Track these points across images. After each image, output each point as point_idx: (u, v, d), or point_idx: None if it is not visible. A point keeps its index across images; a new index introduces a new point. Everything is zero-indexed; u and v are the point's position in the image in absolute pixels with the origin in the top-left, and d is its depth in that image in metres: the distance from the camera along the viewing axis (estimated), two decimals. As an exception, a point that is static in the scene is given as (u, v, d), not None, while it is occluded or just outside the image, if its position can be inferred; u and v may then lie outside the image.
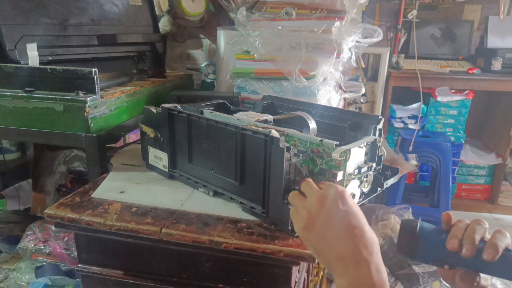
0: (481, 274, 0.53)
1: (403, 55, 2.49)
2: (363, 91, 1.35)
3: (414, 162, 2.05)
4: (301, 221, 0.52)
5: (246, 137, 0.64)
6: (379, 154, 0.69)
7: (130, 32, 1.13)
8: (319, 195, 0.51)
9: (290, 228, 0.60)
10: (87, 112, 0.81)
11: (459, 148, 2.54)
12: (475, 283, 0.52)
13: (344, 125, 0.76)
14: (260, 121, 0.75)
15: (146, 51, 1.18)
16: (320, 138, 0.63)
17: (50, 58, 0.88)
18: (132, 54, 1.13)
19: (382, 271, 0.47)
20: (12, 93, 0.82)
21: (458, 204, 2.59)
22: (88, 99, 0.81)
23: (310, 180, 0.55)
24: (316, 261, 0.56)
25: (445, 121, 2.51)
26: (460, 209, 2.57)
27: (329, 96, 1.13)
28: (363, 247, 0.47)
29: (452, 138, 2.48)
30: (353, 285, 0.46)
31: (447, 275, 0.56)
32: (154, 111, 0.79)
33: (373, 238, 0.49)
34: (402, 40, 2.60)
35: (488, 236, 0.50)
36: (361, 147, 0.65)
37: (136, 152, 0.92)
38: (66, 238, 1.12)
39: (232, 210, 0.68)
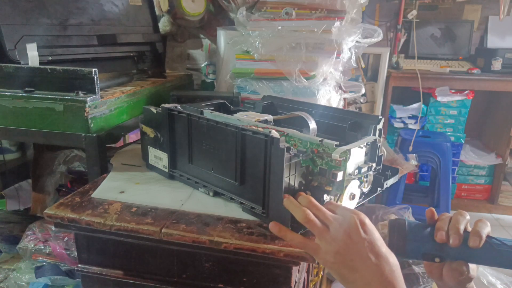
0: (469, 265, 0.55)
1: (403, 55, 2.49)
2: (363, 91, 1.35)
3: (414, 162, 2.05)
4: (329, 252, 0.52)
5: (246, 137, 0.63)
6: (379, 154, 0.69)
7: (130, 32, 1.13)
8: (343, 227, 0.52)
9: (289, 228, 0.60)
10: (87, 112, 0.81)
11: (459, 148, 2.54)
12: (464, 275, 0.55)
13: (344, 125, 0.76)
14: (260, 121, 0.75)
15: (146, 51, 1.18)
16: (320, 138, 0.63)
17: (50, 58, 0.88)
18: (132, 54, 1.13)
19: None
20: (12, 93, 0.82)
21: (458, 204, 2.59)
22: (88, 99, 0.81)
23: (323, 209, 0.55)
24: (316, 261, 0.56)
25: (445, 121, 2.51)
26: (460, 209, 2.55)
27: (329, 96, 1.12)
28: (388, 272, 0.49)
29: (452, 138, 2.48)
30: None
31: (433, 270, 0.59)
32: (154, 111, 0.79)
33: (395, 262, 0.51)
34: (402, 40, 2.60)
35: (469, 227, 0.54)
36: (361, 147, 0.65)
37: (136, 152, 0.92)
38: (66, 238, 1.12)
39: (232, 210, 0.68)
